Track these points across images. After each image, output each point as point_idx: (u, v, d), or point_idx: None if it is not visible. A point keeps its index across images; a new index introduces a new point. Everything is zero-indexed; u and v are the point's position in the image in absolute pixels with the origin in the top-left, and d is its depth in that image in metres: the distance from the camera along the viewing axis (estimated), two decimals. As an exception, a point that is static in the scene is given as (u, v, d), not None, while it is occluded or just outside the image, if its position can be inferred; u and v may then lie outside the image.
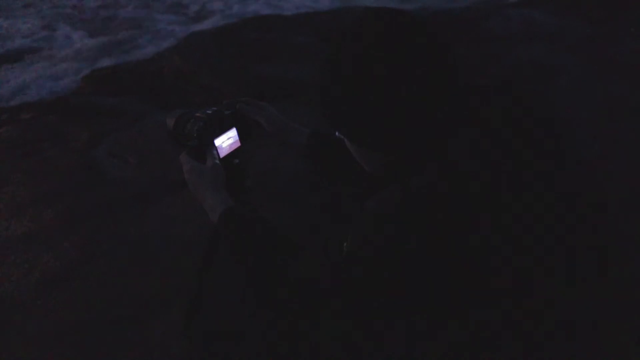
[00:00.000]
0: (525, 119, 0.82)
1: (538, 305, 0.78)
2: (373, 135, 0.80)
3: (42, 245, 2.33)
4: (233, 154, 1.22)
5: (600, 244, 0.83)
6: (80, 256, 2.24)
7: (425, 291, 0.76)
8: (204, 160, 1.13)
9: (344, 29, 0.80)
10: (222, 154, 1.19)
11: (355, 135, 0.83)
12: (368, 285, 0.77)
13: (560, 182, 0.80)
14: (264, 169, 2.68)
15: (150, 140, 3.16)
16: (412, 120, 0.76)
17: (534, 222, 0.76)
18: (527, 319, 0.78)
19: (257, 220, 1.00)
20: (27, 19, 7.61)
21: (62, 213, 2.55)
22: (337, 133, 0.87)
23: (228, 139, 1.20)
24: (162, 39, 6.22)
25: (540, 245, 0.76)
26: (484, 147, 0.76)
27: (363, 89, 0.76)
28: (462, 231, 0.72)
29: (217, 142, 1.18)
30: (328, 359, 0.90)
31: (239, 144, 1.23)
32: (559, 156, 0.82)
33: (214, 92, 4.01)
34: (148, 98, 4.09)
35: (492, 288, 0.75)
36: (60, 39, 6.74)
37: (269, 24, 5.24)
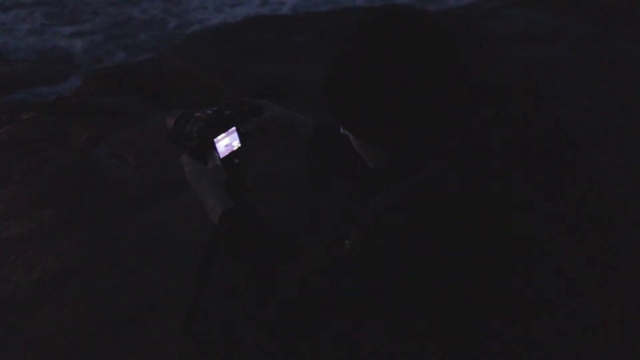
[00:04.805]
0: (525, 119, 0.82)
1: (540, 305, 0.78)
2: (377, 131, 0.80)
3: (42, 245, 2.33)
4: (233, 154, 1.22)
5: (602, 243, 0.83)
6: (80, 256, 2.24)
7: (427, 290, 0.76)
8: (204, 160, 1.13)
9: (349, 26, 0.80)
10: (222, 154, 1.19)
11: (359, 131, 0.83)
12: (370, 284, 0.77)
13: (560, 181, 0.80)
14: (264, 169, 2.68)
15: (150, 140, 3.16)
16: (415, 117, 0.76)
17: (534, 222, 0.76)
18: (529, 320, 0.78)
19: (256, 220, 1.00)
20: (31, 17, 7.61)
21: (62, 213, 2.55)
22: (341, 129, 0.88)
23: (228, 139, 1.20)
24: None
25: (540, 245, 0.76)
26: (485, 147, 0.76)
27: (367, 86, 0.76)
28: (463, 230, 0.72)
29: (217, 142, 1.18)
30: (328, 359, 0.90)
31: (239, 144, 1.23)
32: (560, 156, 0.82)
33: (214, 92, 4.00)
34: (148, 98, 4.09)
35: (492, 287, 0.75)
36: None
37: (269, 24, 5.24)
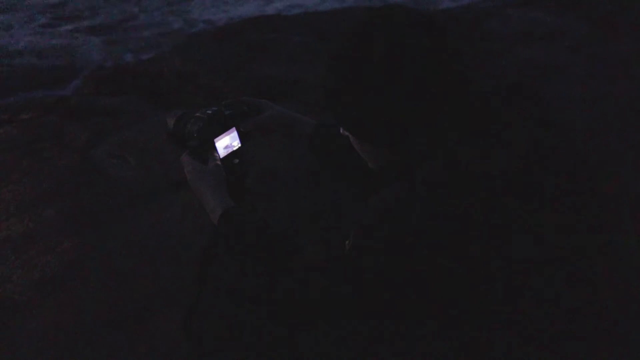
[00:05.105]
0: (526, 119, 0.82)
1: (538, 305, 0.78)
2: (377, 132, 0.80)
3: (42, 245, 2.33)
4: (233, 154, 1.22)
5: (603, 243, 0.83)
6: (80, 256, 2.24)
7: (427, 289, 0.76)
8: (204, 160, 1.13)
9: (348, 27, 0.80)
10: (222, 154, 1.19)
11: (359, 132, 0.83)
12: (370, 283, 0.77)
13: (560, 181, 0.80)
14: (264, 169, 2.68)
15: (150, 140, 3.16)
16: (415, 117, 0.76)
17: (534, 222, 0.76)
18: (528, 319, 0.78)
19: (257, 220, 1.00)
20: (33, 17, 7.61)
21: (62, 213, 2.55)
22: (341, 130, 0.88)
23: (228, 139, 1.20)
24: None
25: (541, 245, 0.76)
26: (485, 146, 0.76)
27: (367, 85, 0.76)
28: (463, 230, 0.72)
29: (217, 142, 1.18)
30: (328, 359, 0.90)
31: (239, 144, 1.23)
32: (560, 156, 0.82)
33: (214, 92, 4.00)
34: (148, 98, 4.09)
35: (492, 287, 0.75)
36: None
37: (269, 24, 5.24)
